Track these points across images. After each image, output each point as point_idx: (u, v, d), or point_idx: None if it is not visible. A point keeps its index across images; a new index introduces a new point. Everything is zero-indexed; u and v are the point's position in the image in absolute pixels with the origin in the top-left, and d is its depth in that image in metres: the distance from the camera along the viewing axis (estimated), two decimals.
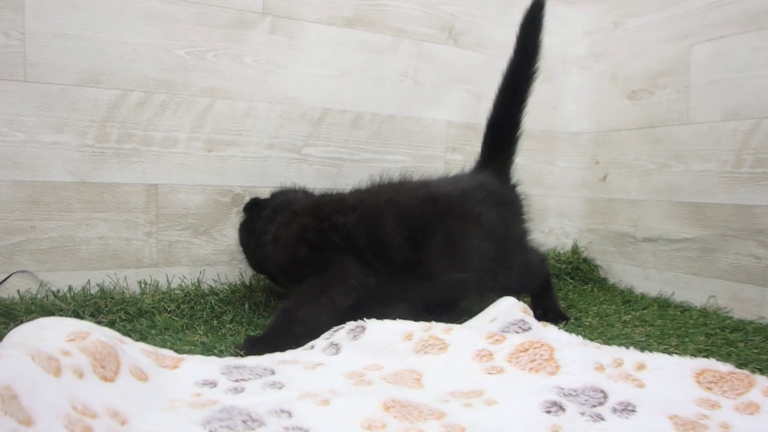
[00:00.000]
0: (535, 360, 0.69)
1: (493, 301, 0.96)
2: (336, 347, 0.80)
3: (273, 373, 0.71)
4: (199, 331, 1.04)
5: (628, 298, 1.37)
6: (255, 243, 1.10)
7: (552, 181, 1.71)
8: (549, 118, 1.70)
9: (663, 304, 1.30)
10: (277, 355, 0.80)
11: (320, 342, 0.83)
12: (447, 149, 1.53)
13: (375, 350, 0.78)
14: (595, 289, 1.49)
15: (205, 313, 1.13)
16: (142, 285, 1.18)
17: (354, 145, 1.40)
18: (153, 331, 1.02)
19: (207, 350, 0.93)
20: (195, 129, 1.23)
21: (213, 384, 0.68)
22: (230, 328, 1.06)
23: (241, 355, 0.82)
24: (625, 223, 1.54)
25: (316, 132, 1.36)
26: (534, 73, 1.14)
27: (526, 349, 0.71)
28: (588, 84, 1.69)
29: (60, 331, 0.65)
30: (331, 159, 1.38)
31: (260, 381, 0.69)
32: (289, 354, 0.81)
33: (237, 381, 0.69)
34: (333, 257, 0.95)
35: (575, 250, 1.65)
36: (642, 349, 0.88)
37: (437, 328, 0.78)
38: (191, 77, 1.22)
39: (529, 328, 0.87)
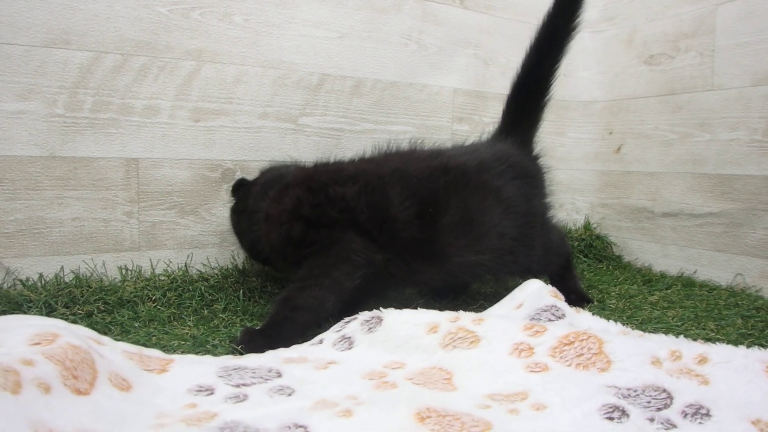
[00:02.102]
0: (582, 354, 0.60)
1: (510, 283, 0.87)
2: (348, 341, 0.71)
3: (279, 375, 0.61)
4: (189, 323, 0.93)
5: (648, 277, 1.29)
6: (247, 225, 0.99)
7: (562, 154, 1.61)
8: (559, 86, 1.56)
9: (687, 283, 1.22)
10: (282, 352, 0.70)
11: (330, 335, 0.73)
12: (453, 119, 1.42)
13: (395, 345, 0.68)
14: (610, 267, 1.41)
15: (194, 301, 1.02)
16: (123, 271, 1.07)
17: (354, 115, 1.28)
18: (136, 324, 0.92)
19: (198, 345, 0.82)
20: (180, 96, 1.10)
21: (209, 390, 0.57)
22: (223, 318, 0.95)
23: (240, 352, 0.72)
24: (642, 197, 1.45)
25: (314, 100, 1.23)
26: (574, 28, 1.03)
27: (571, 342, 0.62)
28: (601, 49, 1.58)
29: (21, 333, 0.54)
30: (330, 129, 1.26)
31: (265, 386, 0.59)
32: (296, 350, 0.71)
33: (238, 386, 0.58)
34: (332, 234, 0.84)
35: (587, 226, 1.56)
36: (678, 335, 0.80)
37: (466, 318, 0.69)
38: (175, 38, 1.09)
39: (563, 315, 0.78)
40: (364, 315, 0.73)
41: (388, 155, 0.98)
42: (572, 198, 1.62)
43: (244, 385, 0.59)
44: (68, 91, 1.01)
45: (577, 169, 1.62)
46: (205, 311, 0.99)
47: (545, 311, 0.78)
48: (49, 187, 1.01)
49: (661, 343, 0.61)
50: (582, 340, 0.61)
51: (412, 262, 0.88)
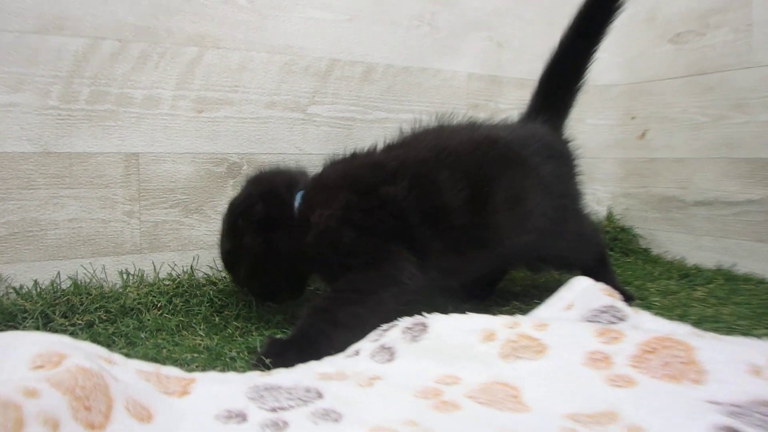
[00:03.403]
0: (669, 364, 0.53)
1: (538, 280, 0.80)
2: (389, 352, 0.62)
3: (320, 395, 0.53)
4: (200, 332, 0.85)
5: (684, 272, 1.21)
6: (256, 246, 0.84)
7: (580, 142, 1.52)
8: None
9: (729, 277, 1.15)
10: (315, 366, 0.62)
11: (366, 345, 0.65)
12: (468, 106, 1.34)
13: (445, 356, 0.60)
14: (639, 261, 1.34)
15: (203, 308, 0.94)
16: (124, 276, 0.98)
17: (366, 103, 1.20)
18: (142, 334, 0.83)
19: (214, 358, 0.74)
20: (181, 85, 1.01)
21: (241, 416, 0.49)
22: (238, 327, 0.87)
23: (266, 365, 0.64)
24: (671, 185, 1.38)
25: (323, 87, 1.15)
26: (619, 6, 0.96)
27: (654, 350, 0.54)
28: (620, 29, 1.48)
29: (22, 353, 0.45)
30: (341, 119, 1.17)
31: (306, 409, 0.51)
32: (330, 363, 0.63)
33: (274, 410, 0.50)
34: (384, 246, 0.76)
35: (610, 218, 1.49)
36: (744, 335, 0.73)
37: (525, 323, 0.61)
38: (176, 22, 1.00)
39: (624, 317, 0.70)
40: (404, 321, 0.65)
41: (418, 136, 0.90)
42: (593, 188, 1.55)
43: (281, 408, 0.50)
44: (63, 81, 0.92)
45: (597, 158, 1.54)
46: (216, 318, 0.91)
47: (603, 312, 0.71)
48: (43, 186, 0.92)
49: (756, 348, 0.54)
50: (667, 347, 0.53)
51: (465, 250, 0.81)
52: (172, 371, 0.55)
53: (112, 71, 0.96)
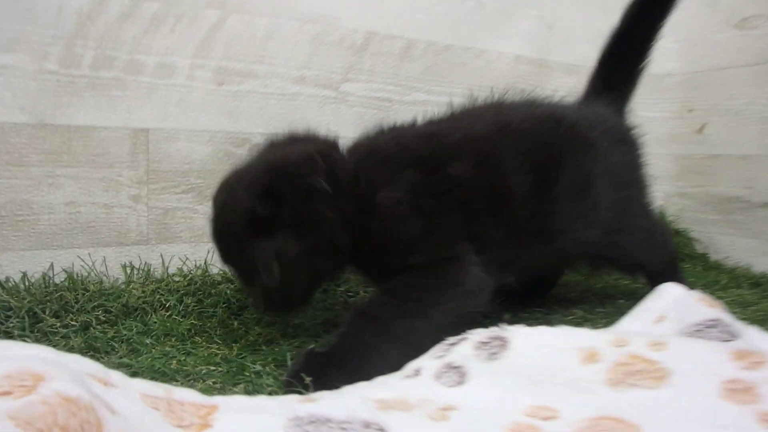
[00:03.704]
0: None
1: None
2: (458, 372, 0.49)
3: (382, 430, 0.40)
4: (216, 338, 0.72)
5: (754, 280, 1.08)
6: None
7: None
8: None
9: None
10: (368, 391, 0.49)
11: (429, 363, 0.52)
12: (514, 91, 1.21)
13: (534, 380, 0.47)
14: (698, 267, 1.20)
15: (219, 309, 0.81)
16: (128, 270, 0.85)
17: (404, 82, 1.07)
18: (147, 340, 0.70)
19: (236, 372, 0.61)
20: (200, 53, 0.88)
21: None
22: (260, 333, 0.74)
23: (304, 386, 0.51)
24: (734, 184, 1.25)
25: (358, 63, 1.02)
26: None
27: None
28: (677, 13, 1.36)
29: None
30: (376, 99, 1.05)
31: None
32: (385, 385, 0.50)
33: None
34: (449, 244, 0.64)
35: (663, 219, 1.36)
36: None
37: (637, 341, 0.48)
38: None
39: (736, 333, 0.57)
40: (477, 335, 0.52)
41: (471, 111, 0.78)
42: None
43: None
44: (63, 42, 0.80)
45: (650, 153, 1.40)
46: (235, 323, 0.78)
47: (710, 327, 0.58)
48: (36, 163, 0.80)
49: None
50: None
51: (527, 243, 0.70)
52: (187, 395, 0.42)
53: (121, 34, 0.83)
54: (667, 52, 1.37)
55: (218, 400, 0.43)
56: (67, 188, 0.82)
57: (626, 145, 0.86)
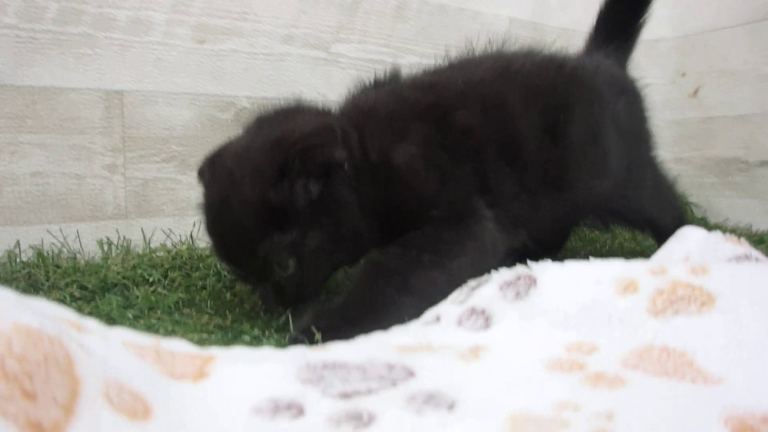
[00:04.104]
0: None
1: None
2: (483, 317, 0.44)
3: (411, 373, 0.35)
4: (207, 309, 0.66)
5: (757, 238, 1.06)
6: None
7: None
8: None
9: None
10: (386, 337, 0.43)
11: (450, 309, 0.46)
12: None
13: (568, 316, 0.42)
14: None
15: (208, 282, 0.75)
16: (105, 246, 0.78)
17: (398, 44, 1.02)
18: (130, 313, 0.64)
19: (233, 338, 0.55)
20: (178, 7, 0.82)
21: (296, 408, 0.31)
22: (259, 305, 0.68)
23: (314, 342, 0.45)
24: (732, 145, 1.23)
25: (349, 22, 0.97)
26: None
27: None
28: None
29: None
30: (369, 61, 0.99)
31: (397, 393, 0.32)
32: (405, 332, 0.44)
33: (347, 396, 0.32)
34: (465, 197, 0.59)
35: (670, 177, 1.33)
36: None
37: (678, 268, 0.43)
38: None
39: None
40: (502, 275, 0.47)
41: (470, 60, 0.74)
42: None
43: (356, 393, 0.32)
44: None
45: None
46: (228, 294, 0.72)
47: (742, 261, 0.54)
48: None
49: None
50: None
51: (536, 193, 0.66)
52: (178, 346, 0.36)
53: None
54: (659, 16, 1.35)
55: (215, 351, 0.37)
56: (33, 157, 0.75)
57: (629, 95, 0.84)
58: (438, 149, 0.60)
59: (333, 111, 0.67)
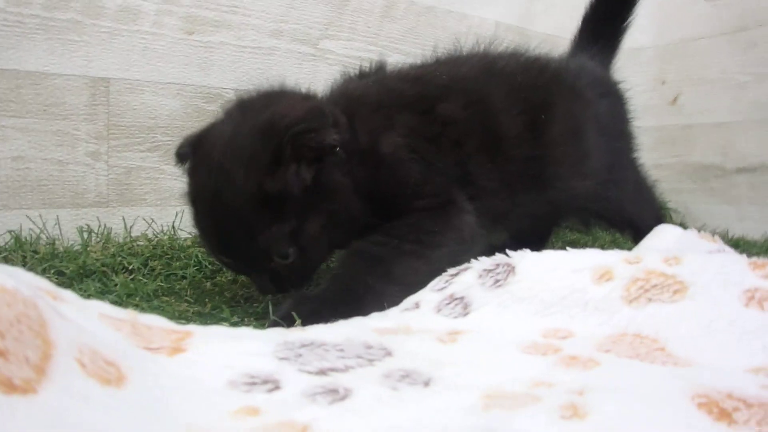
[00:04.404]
0: None
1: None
2: (461, 303, 0.45)
3: (389, 353, 0.35)
4: (187, 298, 0.65)
5: (732, 243, 1.07)
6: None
7: None
8: None
9: None
10: (366, 321, 0.44)
11: (428, 296, 0.47)
12: None
13: (545, 304, 0.43)
14: None
15: (189, 272, 0.74)
16: (85, 233, 0.77)
17: (385, 43, 1.03)
18: (109, 298, 0.63)
19: (211, 324, 0.55)
20: None
21: (272, 383, 0.31)
22: (238, 293, 0.68)
23: (293, 326, 0.45)
24: (709, 152, 1.26)
25: (338, 19, 0.97)
26: None
27: None
28: None
29: None
30: (356, 59, 1.00)
31: (374, 370, 0.33)
32: (384, 318, 0.45)
33: (323, 372, 0.32)
34: (447, 189, 0.60)
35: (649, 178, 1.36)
36: None
37: (651, 257, 0.44)
38: None
39: None
40: (481, 263, 0.47)
41: (455, 58, 0.74)
42: None
43: (332, 370, 0.32)
44: None
45: None
46: (208, 284, 0.71)
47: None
48: None
49: None
50: None
51: (517, 189, 0.66)
52: (155, 320, 0.36)
53: None
54: (640, 25, 1.38)
55: (192, 327, 0.37)
56: (15, 141, 0.74)
57: (612, 97, 0.85)
58: (422, 141, 0.60)
59: (319, 96, 0.67)
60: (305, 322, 0.45)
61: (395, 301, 0.49)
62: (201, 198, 0.56)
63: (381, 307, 0.48)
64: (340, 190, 0.56)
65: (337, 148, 0.54)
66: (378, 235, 0.55)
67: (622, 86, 0.90)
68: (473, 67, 0.70)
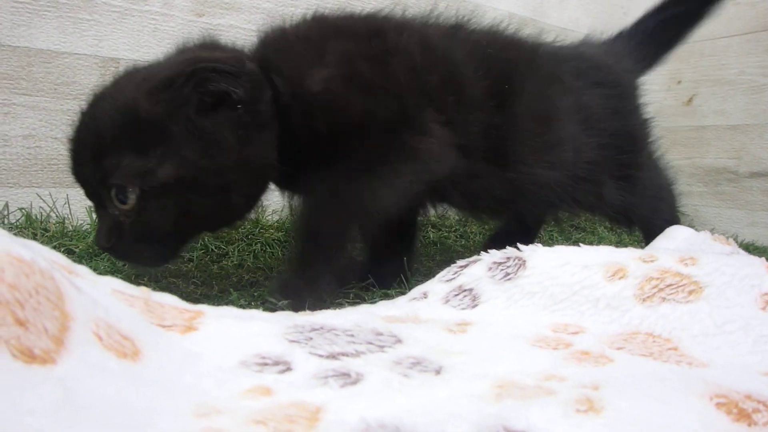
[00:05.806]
0: None
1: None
2: (470, 295, 0.45)
3: (399, 340, 0.35)
4: (195, 280, 0.66)
5: (742, 248, 1.07)
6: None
7: None
8: (616, 26, 1.36)
9: None
10: (374, 308, 0.44)
11: (437, 287, 0.47)
12: None
13: (556, 299, 0.43)
14: None
15: (195, 255, 0.74)
16: (94, 213, 0.77)
17: None
18: (117, 277, 0.63)
19: (220, 305, 0.55)
20: None
21: (283, 364, 0.31)
22: (244, 278, 0.68)
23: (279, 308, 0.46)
24: (723, 155, 1.24)
25: (349, 4, 0.97)
26: None
27: None
28: None
29: None
30: None
31: (385, 357, 0.33)
32: (393, 306, 0.45)
33: (334, 356, 0.32)
34: (400, 108, 0.54)
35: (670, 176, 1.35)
36: None
37: (667, 257, 0.44)
38: None
39: None
40: (492, 256, 0.47)
41: (427, 19, 0.70)
42: None
43: (343, 355, 0.32)
44: None
45: None
46: (214, 267, 0.72)
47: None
48: None
49: None
50: None
51: (476, 157, 0.61)
52: (168, 299, 0.36)
53: None
54: None
55: (204, 307, 0.37)
56: (26, 119, 0.74)
57: (612, 89, 0.78)
58: (364, 63, 0.53)
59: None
60: (292, 305, 0.46)
61: (356, 225, 0.50)
62: (84, 109, 0.51)
63: (341, 237, 0.50)
64: (222, 150, 0.48)
65: (239, 106, 0.48)
66: (324, 183, 0.51)
67: (629, 79, 0.86)
68: (439, 27, 0.66)
